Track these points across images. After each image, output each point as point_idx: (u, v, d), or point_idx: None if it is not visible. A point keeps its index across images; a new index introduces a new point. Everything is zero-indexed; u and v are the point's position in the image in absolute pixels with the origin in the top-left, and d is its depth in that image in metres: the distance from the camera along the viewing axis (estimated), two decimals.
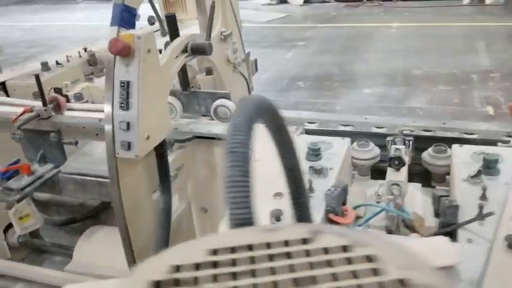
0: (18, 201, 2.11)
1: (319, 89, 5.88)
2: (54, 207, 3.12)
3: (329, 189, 1.25)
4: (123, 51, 1.40)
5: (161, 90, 1.59)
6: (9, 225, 2.82)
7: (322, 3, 10.92)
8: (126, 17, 1.50)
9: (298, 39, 8.04)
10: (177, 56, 1.79)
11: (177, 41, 1.81)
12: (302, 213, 0.72)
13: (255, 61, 2.84)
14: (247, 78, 2.47)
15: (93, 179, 2.27)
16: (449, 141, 1.67)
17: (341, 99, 5.46)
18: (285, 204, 1.28)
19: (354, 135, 1.70)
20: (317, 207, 1.26)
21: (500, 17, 8.39)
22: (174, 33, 1.86)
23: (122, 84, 1.43)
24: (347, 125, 1.86)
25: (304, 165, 1.47)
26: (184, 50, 1.84)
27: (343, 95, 5.61)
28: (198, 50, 1.84)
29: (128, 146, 1.45)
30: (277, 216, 1.18)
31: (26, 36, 9.51)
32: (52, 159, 2.29)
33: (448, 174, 1.59)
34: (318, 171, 1.37)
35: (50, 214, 2.95)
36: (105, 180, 2.36)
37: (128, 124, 1.44)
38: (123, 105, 1.43)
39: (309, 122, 1.93)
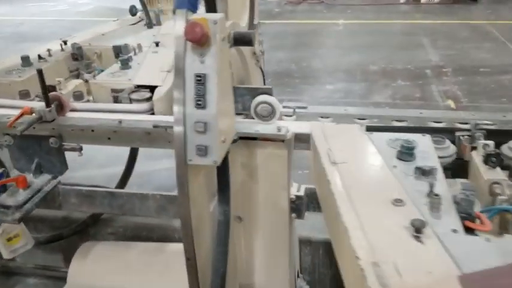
0: (19, 220, 1.76)
1: (280, 85, 5.76)
2: (31, 223, 2.73)
3: (462, 193, 1.12)
4: (203, 39, 1.17)
5: (230, 84, 1.37)
6: None
7: (264, 0, 10.85)
8: None
9: None
10: None
11: None
12: None
13: None
14: (264, 73, 2.28)
15: (103, 189, 1.98)
16: None
17: (305, 96, 5.39)
18: (414, 213, 1.13)
19: (424, 131, 1.58)
20: (448, 214, 1.11)
21: (436, 15, 8.78)
22: None
23: (198, 78, 1.20)
24: (401, 120, 1.74)
25: (401, 165, 1.33)
26: None
27: (306, 91, 5.54)
28: (242, 40, 1.63)
29: (205, 151, 1.22)
30: (418, 227, 1.02)
31: None
32: (49, 168, 1.96)
33: None
34: (427, 173, 1.22)
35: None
36: (119, 190, 2.09)
37: (206, 125, 1.21)
38: (200, 102, 1.20)
39: (358, 119, 1.79)
